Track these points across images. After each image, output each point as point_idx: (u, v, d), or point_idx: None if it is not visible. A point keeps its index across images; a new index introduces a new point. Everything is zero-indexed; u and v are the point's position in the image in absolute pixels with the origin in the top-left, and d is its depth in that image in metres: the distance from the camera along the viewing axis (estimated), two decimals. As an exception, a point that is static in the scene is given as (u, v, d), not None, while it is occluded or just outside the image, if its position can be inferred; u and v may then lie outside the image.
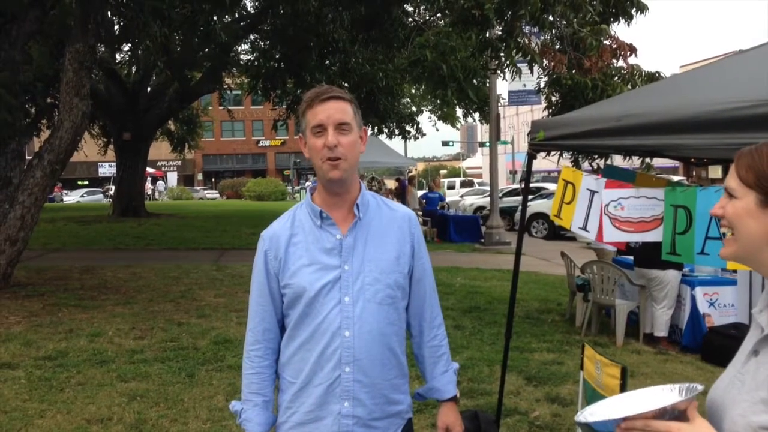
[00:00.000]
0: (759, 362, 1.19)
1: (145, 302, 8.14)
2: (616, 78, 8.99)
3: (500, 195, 18.83)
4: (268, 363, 1.98)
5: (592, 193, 3.39)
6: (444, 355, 2.09)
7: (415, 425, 4.15)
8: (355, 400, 1.88)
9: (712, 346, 6.04)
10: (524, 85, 16.47)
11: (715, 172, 28.99)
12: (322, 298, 1.87)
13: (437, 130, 33.00)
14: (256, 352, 1.97)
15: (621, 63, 9.22)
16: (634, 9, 9.33)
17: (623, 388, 2.65)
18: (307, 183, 50.95)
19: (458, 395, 2.11)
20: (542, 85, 9.91)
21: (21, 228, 8.44)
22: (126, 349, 6.08)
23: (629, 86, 8.57)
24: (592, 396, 2.98)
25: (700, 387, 1.18)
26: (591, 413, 1.27)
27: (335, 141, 1.83)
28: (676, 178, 24.03)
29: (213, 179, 62.35)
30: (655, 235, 3.10)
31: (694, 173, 27.41)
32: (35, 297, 8.28)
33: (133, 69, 21.80)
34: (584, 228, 3.46)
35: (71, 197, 45.64)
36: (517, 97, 20.97)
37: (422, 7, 13.77)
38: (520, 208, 3.98)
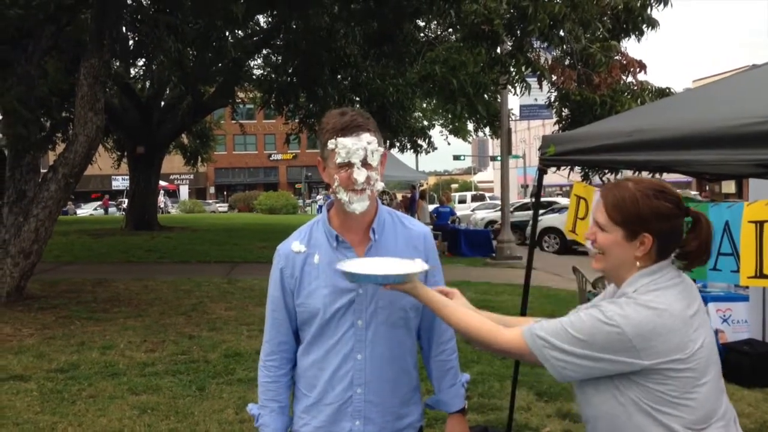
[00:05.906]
0: None
1: (157, 315, 8.17)
2: (626, 94, 8.99)
3: (511, 209, 18.76)
4: (284, 372, 2.03)
5: None
6: (452, 369, 2.10)
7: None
8: (366, 419, 1.92)
9: (726, 363, 5.96)
10: (535, 99, 16.47)
11: (728, 187, 28.82)
12: (336, 321, 1.90)
13: (449, 144, 32.87)
14: (272, 363, 2.03)
15: (630, 79, 9.22)
16: (645, 24, 9.36)
17: None
18: (318, 197, 50.96)
19: (466, 407, 2.12)
20: (552, 99, 9.93)
21: (35, 241, 8.52)
22: (137, 361, 6.11)
23: (638, 102, 8.56)
24: None
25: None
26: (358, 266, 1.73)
27: (363, 178, 1.83)
28: (692, 193, 23.84)
29: (225, 192, 62.66)
30: None
31: (708, 188, 27.24)
32: (48, 309, 8.33)
33: (147, 84, 22.01)
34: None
35: (85, 210, 46.07)
36: (529, 112, 21.02)
37: (434, 23, 13.85)
38: (531, 222, 3.98)
